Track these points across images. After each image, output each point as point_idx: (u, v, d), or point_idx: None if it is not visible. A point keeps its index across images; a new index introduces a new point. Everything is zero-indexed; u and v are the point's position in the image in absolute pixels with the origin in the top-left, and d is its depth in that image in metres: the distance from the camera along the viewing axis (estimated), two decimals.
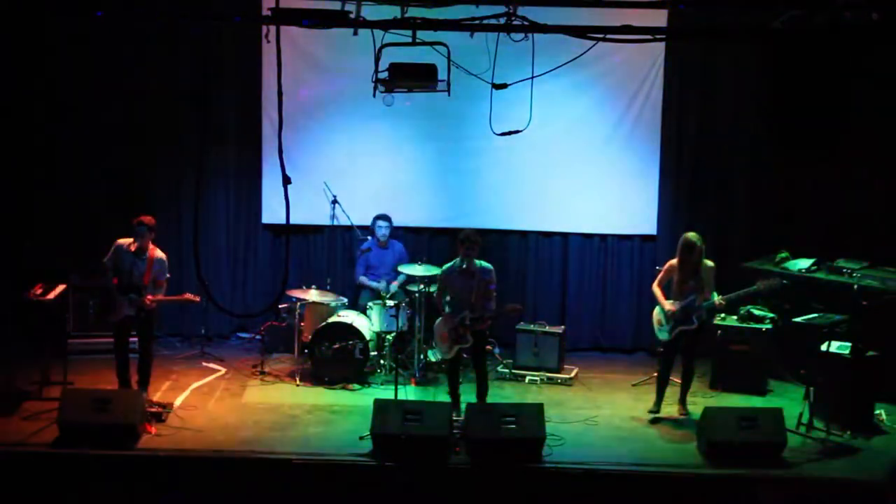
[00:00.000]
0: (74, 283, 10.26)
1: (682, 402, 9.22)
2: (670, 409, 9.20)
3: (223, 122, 11.17)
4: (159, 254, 9.02)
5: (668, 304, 9.01)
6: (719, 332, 9.99)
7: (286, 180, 6.47)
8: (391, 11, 7.53)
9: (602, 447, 8.52)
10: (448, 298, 9.03)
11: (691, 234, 9.03)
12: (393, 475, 7.99)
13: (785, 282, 9.73)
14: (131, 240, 8.93)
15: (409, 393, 9.46)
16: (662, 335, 9.14)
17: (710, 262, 9.02)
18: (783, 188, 11.08)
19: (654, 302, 9.23)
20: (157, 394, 9.38)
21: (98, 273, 9.25)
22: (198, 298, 9.16)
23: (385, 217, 10.72)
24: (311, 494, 7.88)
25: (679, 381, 9.25)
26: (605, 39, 7.29)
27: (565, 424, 8.90)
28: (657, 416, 9.11)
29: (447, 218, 11.25)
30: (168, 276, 9.13)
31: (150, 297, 8.87)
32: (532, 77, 7.87)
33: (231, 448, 8.28)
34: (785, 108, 10.82)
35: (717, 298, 8.95)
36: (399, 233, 11.02)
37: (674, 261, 9.11)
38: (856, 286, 9.64)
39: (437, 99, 8.18)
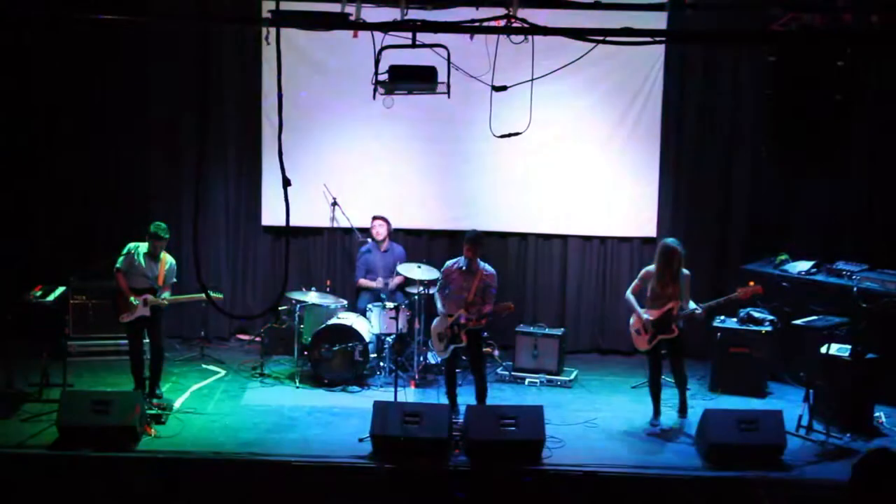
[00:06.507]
0: (74, 285, 10.27)
1: (683, 409, 9.13)
2: (670, 412, 9.19)
3: (223, 124, 11.19)
4: (171, 258, 9.27)
5: (644, 315, 8.86)
6: (719, 334, 9.99)
7: (286, 182, 6.44)
8: (391, 13, 7.52)
9: (602, 449, 8.53)
10: (447, 293, 9.03)
11: (671, 241, 8.92)
12: (392, 477, 7.98)
13: (784, 284, 9.71)
14: (145, 244, 9.11)
15: (408, 395, 9.46)
16: (640, 344, 9.01)
17: (685, 271, 8.86)
18: (783, 190, 11.07)
19: None
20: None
21: (105, 275, 9.42)
22: (220, 296, 9.50)
23: (380, 218, 10.69)
24: (311, 496, 7.87)
25: (672, 381, 9.17)
26: (604, 42, 7.26)
27: (565, 426, 8.91)
28: (660, 427, 8.97)
29: (446, 220, 11.26)
30: (174, 280, 9.32)
31: (166, 299, 9.16)
32: (532, 79, 7.86)
33: (231, 450, 8.28)
34: (785, 108, 10.78)
35: (693, 308, 8.80)
36: (398, 235, 11.02)
37: (650, 268, 8.95)
38: (855, 288, 9.64)
39: (436, 101, 8.17)
